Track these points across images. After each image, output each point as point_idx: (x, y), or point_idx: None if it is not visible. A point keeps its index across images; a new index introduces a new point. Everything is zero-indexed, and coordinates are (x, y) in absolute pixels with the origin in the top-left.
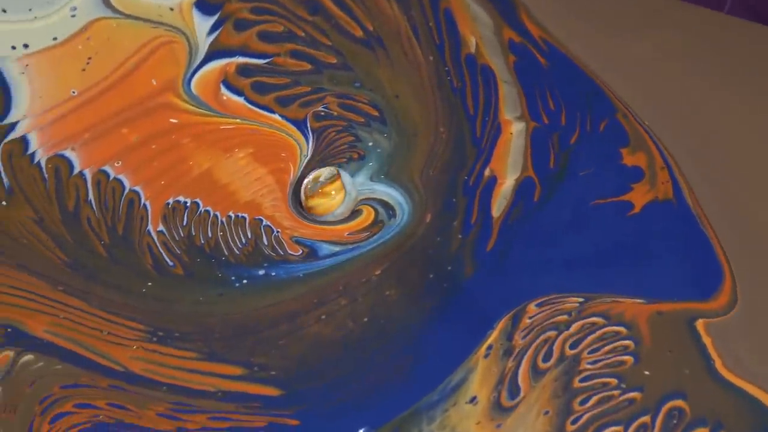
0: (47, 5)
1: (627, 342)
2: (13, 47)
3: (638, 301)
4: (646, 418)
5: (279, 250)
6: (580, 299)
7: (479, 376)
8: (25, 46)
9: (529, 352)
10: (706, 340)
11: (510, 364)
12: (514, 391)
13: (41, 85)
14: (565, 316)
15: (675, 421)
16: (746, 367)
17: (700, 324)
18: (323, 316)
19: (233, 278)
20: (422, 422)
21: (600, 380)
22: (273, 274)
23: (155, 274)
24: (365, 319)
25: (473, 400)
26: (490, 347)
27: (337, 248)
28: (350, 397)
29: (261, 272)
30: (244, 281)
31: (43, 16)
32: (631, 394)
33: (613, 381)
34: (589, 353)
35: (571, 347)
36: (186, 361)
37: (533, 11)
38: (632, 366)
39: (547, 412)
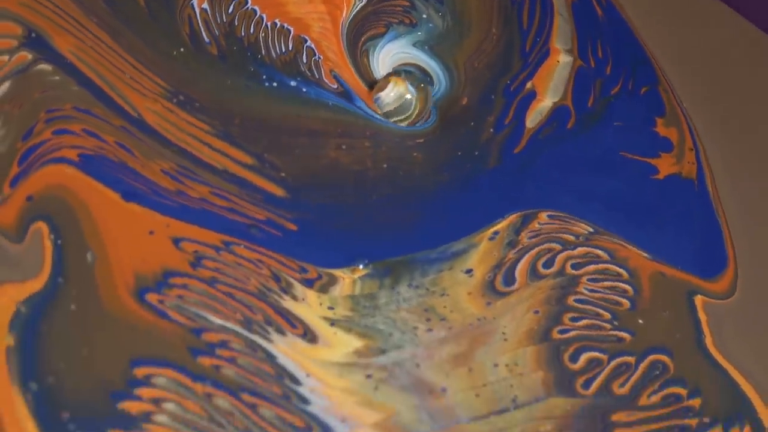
0: None
1: (626, 286)
2: None
3: (644, 254)
4: (630, 359)
5: (315, 73)
6: (590, 229)
7: (480, 253)
8: None
9: (532, 252)
10: (702, 317)
11: (511, 255)
12: (509, 280)
13: None
14: (572, 237)
15: (657, 372)
16: (732, 354)
17: (698, 300)
18: (344, 146)
19: (264, 77)
20: (415, 272)
21: (594, 308)
22: (304, 89)
23: (189, 44)
24: (384, 166)
25: (469, 271)
26: (496, 233)
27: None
28: (351, 225)
29: (293, 83)
30: (274, 84)
31: None
32: (621, 333)
33: (607, 315)
34: (588, 280)
35: (573, 267)
36: (200, 131)
37: None
38: (627, 310)
39: (537, 312)
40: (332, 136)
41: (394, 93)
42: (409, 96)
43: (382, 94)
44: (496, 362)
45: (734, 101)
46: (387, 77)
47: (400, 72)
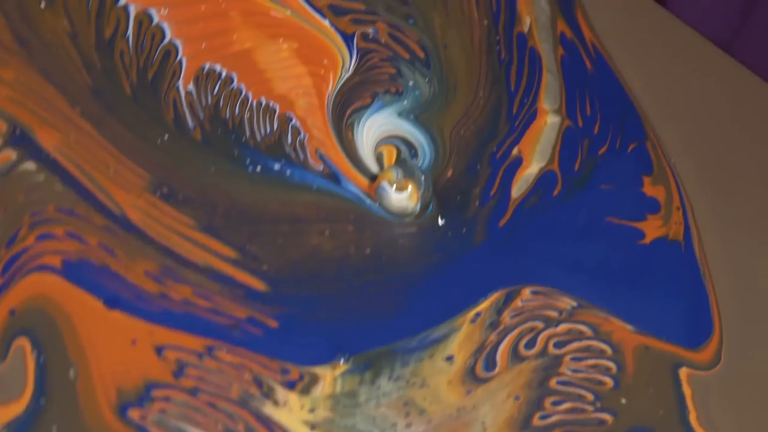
0: None
1: (610, 363)
2: None
3: (628, 327)
4: None
5: (300, 154)
6: (574, 303)
7: (461, 338)
8: None
9: (514, 332)
10: (686, 390)
11: (493, 337)
12: (490, 364)
13: None
14: (555, 313)
15: None
16: (717, 429)
17: (683, 372)
18: (327, 232)
19: (248, 161)
20: (395, 363)
21: (577, 390)
22: (287, 173)
23: (174, 129)
24: (368, 251)
25: (450, 358)
26: (478, 314)
27: (356, 189)
28: (332, 317)
29: (276, 166)
30: (258, 168)
31: None
32: (603, 415)
33: (589, 396)
34: (571, 360)
35: (555, 346)
36: (183, 226)
37: (590, 12)
38: (611, 389)
39: (518, 398)
40: (315, 222)
41: (404, 200)
42: (415, 207)
43: (392, 194)
44: None
45: (724, 153)
46: (406, 179)
47: (416, 176)
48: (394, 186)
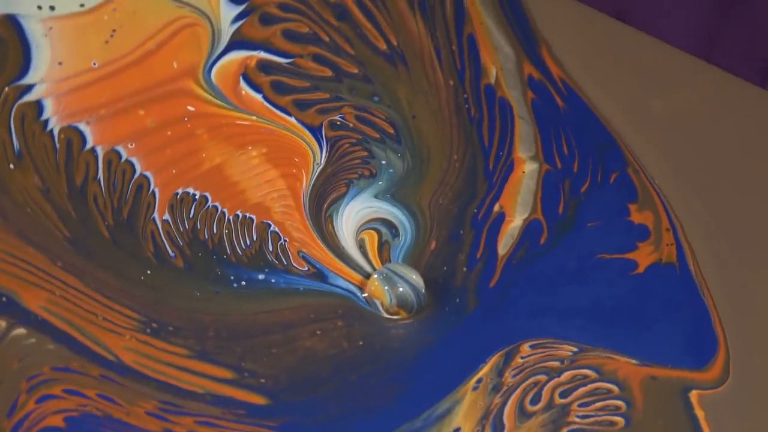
0: None
1: (619, 402)
2: (39, 7)
3: (632, 361)
4: None
5: (283, 259)
6: (575, 348)
7: (465, 408)
8: (51, 8)
9: (518, 391)
10: (699, 414)
11: (497, 400)
12: (498, 428)
13: (63, 51)
14: (557, 363)
15: None
16: None
17: (693, 395)
18: (318, 332)
19: (232, 278)
20: None
21: None
22: (273, 281)
23: (155, 263)
24: (360, 343)
25: (456, 431)
26: (479, 380)
27: (343, 282)
28: (335, 416)
29: (261, 277)
30: (243, 283)
31: None
32: None
33: None
34: (579, 406)
35: (561, 396)
36: (177, 357)
37: (555, 50)
38: (622, 428)
39: None
40: (306, 324)
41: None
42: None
43: (383, 312)
44: None
45: (709, 167)
46: (399, 308)
47: (409, 303)
48: (386, 311)
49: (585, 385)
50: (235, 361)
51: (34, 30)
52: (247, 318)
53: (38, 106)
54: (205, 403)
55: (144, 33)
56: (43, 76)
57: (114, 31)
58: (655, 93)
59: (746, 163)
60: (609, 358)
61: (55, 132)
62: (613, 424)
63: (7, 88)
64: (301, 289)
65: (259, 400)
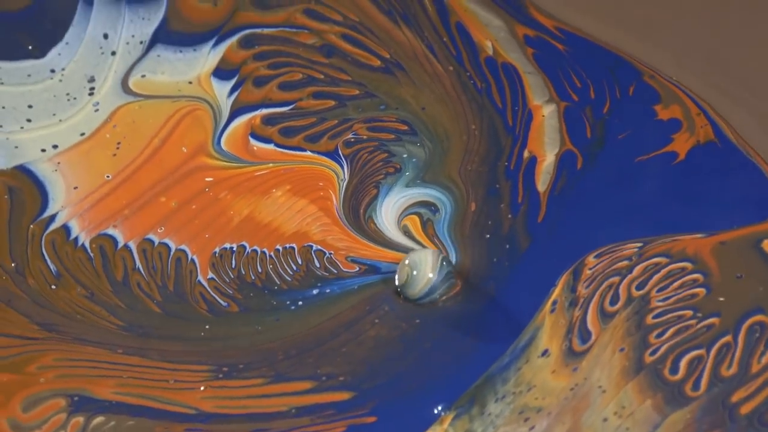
0: (70, 107)
1: (696, 275)
2: (43, 150)
3: (698, 236)
4: (727, 338)
5: (332, 269)
6: (639, 244)
7: (548, 331)
8: (54, 146)
9: (595, 298)
10: None
11: (577, 313)
12: (585, 336)
13: (75, 177)
14: (625, 262)
15: (757, 335)
16: None
17: (766, 244)
18: (377, 321)
19: (288, 302)
20: (497, 385)
21: (674, 314)
22: (327, 291)
23: (211, 317)
24: (417, 321)
25: (545, 353)
26: (554, 302)
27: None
28: (420, 383)
29: (315, 292)
30: (299, 303)
31: (68, 118)
32: (709, 320)
33: (688, 312)
34: (657, 291)
35: (638, 288)
36: (255, 388)
37: (542, 5)
38: (705, 297)
39: (622, 349)
40: (365, 317)
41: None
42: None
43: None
44: (605, 416)
45: (718, 42)
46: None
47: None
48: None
49: (658, 271)
50: (310, 372)
51: (44, 170)
52: (311, 331)
53: (65, 229)
54: (293, 417)
55: (148, 135)
56: (62, 204)
57: (119, 143)
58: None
59: (752, 20)
60: (675, 241)
61: (87, 244)
62: (695, 296)
63: (32, 226)
64: (356, 287)
65: (343, 396)
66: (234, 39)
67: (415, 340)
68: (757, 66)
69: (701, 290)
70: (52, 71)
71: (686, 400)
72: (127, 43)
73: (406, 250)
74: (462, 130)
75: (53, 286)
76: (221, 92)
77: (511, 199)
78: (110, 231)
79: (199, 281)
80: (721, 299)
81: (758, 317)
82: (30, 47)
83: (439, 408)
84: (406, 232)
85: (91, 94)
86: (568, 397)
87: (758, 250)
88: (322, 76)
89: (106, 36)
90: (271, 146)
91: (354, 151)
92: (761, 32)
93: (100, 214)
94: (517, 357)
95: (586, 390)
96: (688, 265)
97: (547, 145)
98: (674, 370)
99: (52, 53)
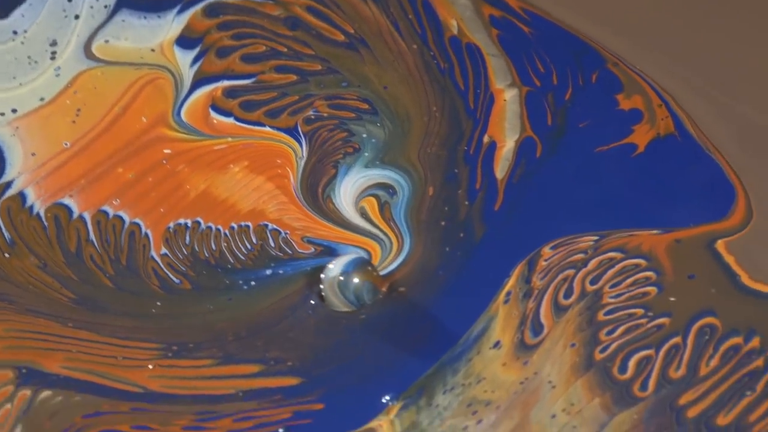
0: (31, 71)
1: (648, 273)
2: (2, 113)
3: (654, 232)
4: (677, 340)
5: (287, 250)
6: (595, 237)
7: (501, 322)
8: (14, 110)
9: (549, 290)
10: (729, 259)
11: (531, 305)
12: (537, 329)
13: (33, 143)
14: (581, 255)
15: (707, 337)
16: None
17: (720, 244)
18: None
19: (241, 282)
20: (446, 376)
21: (625, 312)
22: (281, 272)
23: (163, 294)
24: (369, 308)
25: (497, 344)
26: (508, 293)
27: (353, 249)
28: (369, 372)
29: (268, 272)
30: (252, 283)
31: (28, 81)
32: (660, 320)
33: (639, 311)
34: (610, 287)
35: (591, 283)
36: (203, 369)
37: None
38: (657, 295)
39: (573, 345)
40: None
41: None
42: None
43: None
44: (553, 413)
45: (684, 33)
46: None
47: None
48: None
49: (613, 266)
50: (259, 355)
51: (2, 134)
52: (262, 312)
53: (21, 197)
54: (240, 401)
55: (109, 102)
56: (19, 170)
57: (79, 110)
58: None
59: (717, 11)
60: (631, 236)
61: (42, 213)
62: (646, 294)
63: None
64: (309, 269)
65: (291, 381)
66: (199, 7)
67: (366, 327)
68: (722, 60)
69: (653, 289)
70: (15, 33)
71: (634, 401)
72: (92, 7)
73: (364, 233)
74: (423, 111)
75: (7, 255)
76: (184, 61)
77: (469, 185)
78: (66, 200)
79: (152, 256)
80: (673, 299)
81: (708, 319)
82: None
83: (387, 398)
84: (363, 214)
85: (52, 58)
86: (517, 391)
87: (712, 251)
88: (285, 50)
89: None
90: (231, 120)
91: (314, 129)
92: (729, 25)
93: (57, 183)
94: (468, 348)
95: (536, 385)
96: (642, 261)
97: (507, 131)
98: (623, 369)
99: (16, 14)
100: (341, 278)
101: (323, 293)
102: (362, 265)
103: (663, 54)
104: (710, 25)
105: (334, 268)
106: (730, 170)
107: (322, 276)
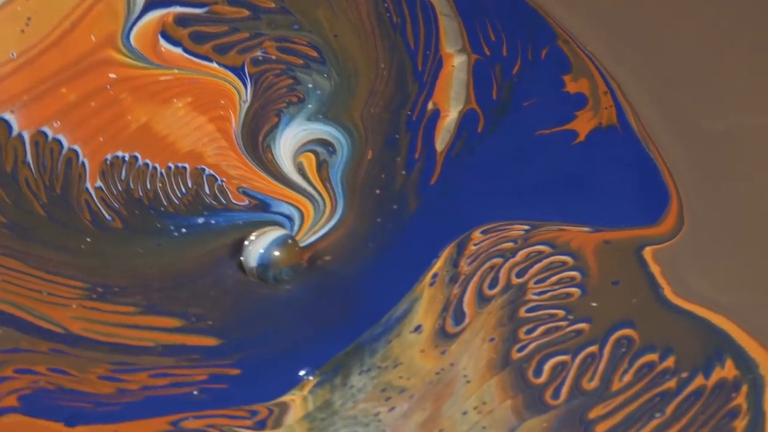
0: None
1: (574, 273)
2: None
3: (584, 229)
4: (593, 348)
5: (222, 199)
6: (526, 227)
7: (424, 305)
8: None
9: (475, 278)
10: (654, 269)
11: (456, 291)
12: (459, 318)
13: None
14: (510, 244)
15: (623, 350)
16: (694, 291)
17: (647, 252)
18: None
19: (172, 228)
20: (364, 356)
21: (546, 311)
22: (212, 222)
23: (94, 230)
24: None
25: (418, 328)
26: (435, 275)
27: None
28: (290, 342)
29: (200, 221)
30: (183, 230)
31: None
32: (579, 325)
33: (560, 312)
34: (535, 283)
35: (518, 275)
36: (125, 316)
37: None
38: (579, 298)
39: (492, 339)
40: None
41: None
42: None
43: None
44: (465, 410)
45: (641, 20)
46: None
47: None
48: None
49: (540, 261)
50: (181, 309)
51: None
52: (188, 264)
53: None
54: (158, 356)
55: (59, 14)
56: None
57: (29, 18)
58: None
59: (678, 8)
60: (561, 230)
61: None
62: (569, 295)
63: None
64: (241, 222)
65: (210, 341)
66: None
67: (289, 297)
68: (678, 56)
69: (577, 291)
70: None
71: (545, 408)
72: None
73: (299, 190)
74: (371, 67)
75: None
76: None
77: (408, 153)
78: (7, 116)
79: (87, 188)
80: (594, 304)
81: (626, 331)
82: None
83: (304, 372)
84: (301, 170)
85: None
86: (432, 381)
87: (639, 258)
88: None
89: None
90: (179, 50)
91: (260, 71)
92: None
93: (0, 96)
94: (389, 329)
95: (452, 377)
96: (569, 260)
97: (452, 100)
98: (538, 372)
99: None
100: (261, 260)
101: (244, 267)
102: (282, 244)
103: (615, 38)
104: (670, 18)
105: (254, 249)
106: (667, 173)
107: (243, 249)
